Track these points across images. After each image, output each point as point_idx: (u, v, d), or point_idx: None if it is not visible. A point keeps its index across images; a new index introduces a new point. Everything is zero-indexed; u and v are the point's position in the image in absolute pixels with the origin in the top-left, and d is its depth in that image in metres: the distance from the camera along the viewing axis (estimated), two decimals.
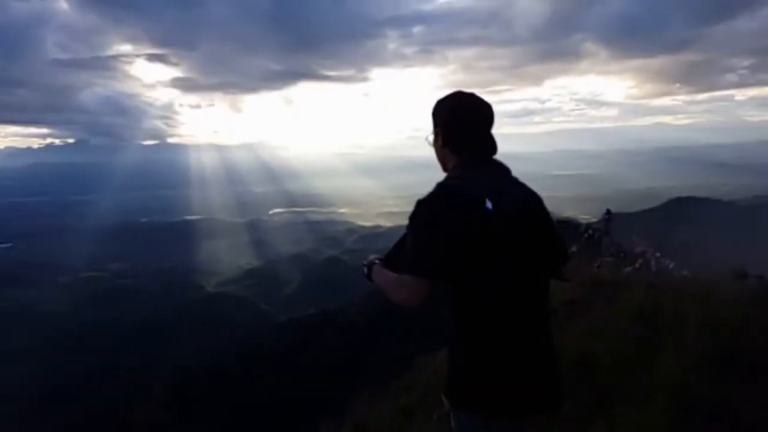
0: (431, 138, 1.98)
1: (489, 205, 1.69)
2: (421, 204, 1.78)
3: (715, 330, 4.03)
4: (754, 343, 3.99)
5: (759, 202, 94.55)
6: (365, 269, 2.06)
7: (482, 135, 1.90)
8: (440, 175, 1.95)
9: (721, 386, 3.47)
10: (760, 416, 3.19)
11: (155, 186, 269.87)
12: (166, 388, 36.92)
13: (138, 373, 47.00)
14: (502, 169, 1.90)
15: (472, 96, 1.91)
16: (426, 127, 1.99)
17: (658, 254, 10.84)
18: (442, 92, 2.02)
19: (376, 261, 2.07)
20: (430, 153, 2.02)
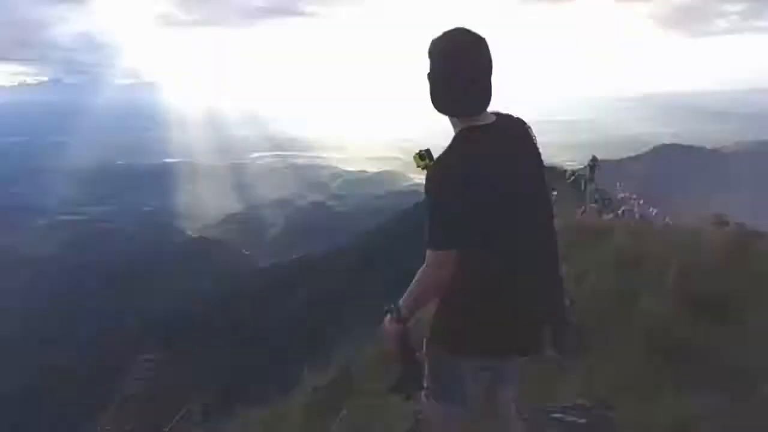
0: None
1: (485, 175, 1.69)
2: (426, 183, 1.74)
3: (695, 275, 4.14)
4: (732, 288, 4.12)
5: (742, 150, 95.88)
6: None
7: (469, 91, 1.74)
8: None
9: (699, 329, 3.59)
10: (735, 357, 3.32)
11: (133, 127, 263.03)
12: (147, 331, 37.43)
13: (118, 317, 47.41)
14: (497, 128, 1.80)
15: (461, 45, 1.73)
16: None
17: (641, 201, 11.00)
18: (434, 31, 1.85)
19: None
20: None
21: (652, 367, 3.18)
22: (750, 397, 2.98)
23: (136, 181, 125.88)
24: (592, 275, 4.63)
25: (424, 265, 1.73)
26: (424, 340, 1.90)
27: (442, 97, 1.79)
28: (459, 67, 1.72)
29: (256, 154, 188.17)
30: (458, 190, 1.66)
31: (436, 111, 1.82)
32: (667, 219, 8.59)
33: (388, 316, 1.85)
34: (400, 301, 1.83)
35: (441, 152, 1.78)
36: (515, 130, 1.86)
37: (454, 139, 1.79)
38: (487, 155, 1.72)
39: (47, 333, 49.22)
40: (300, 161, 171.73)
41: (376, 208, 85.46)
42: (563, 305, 1.99)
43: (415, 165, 1.87)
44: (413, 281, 1.78)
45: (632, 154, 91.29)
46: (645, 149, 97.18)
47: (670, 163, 76.44)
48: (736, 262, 4.53)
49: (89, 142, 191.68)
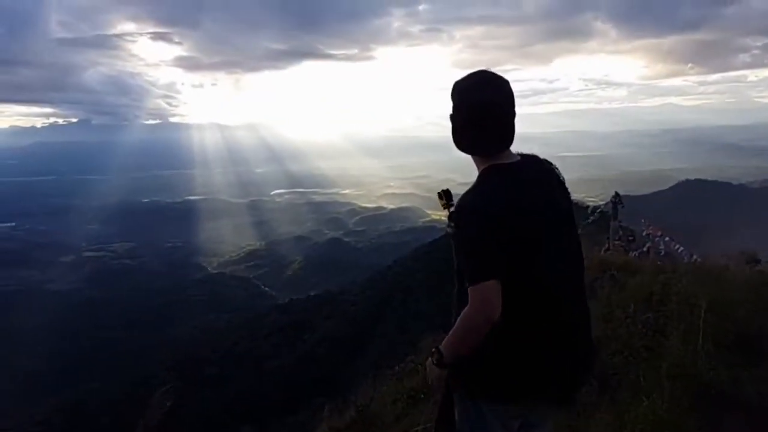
0: None
1: (511, 213, 1.67)
2: (457, 218, 1.72)
3: (725, 315, 4.01)
4: (764, 328, 3.97)
5: None
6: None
7: (491, 131, 1.75)
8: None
9: (730, 371, 3.46)
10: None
11: (157, 166, 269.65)
12: (167, 366, 37.41)
13: (139, 351, 47.55)
14: (522, 166, 1.80)
15: (483, 85, 1.76)
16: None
17: (667, 238, 10.80)
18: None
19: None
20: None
21: (682, 410, 3.05)
22: None
23: (159, 218, 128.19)
24: (618, 314, 4.51)
25: (468, 306, 1.67)
26: (451, 381, 1.83)
27: (465, 137, 1.80)
28: (481, 107, 1.73)
29: (276, 191, 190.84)
30: (484, 227, 1.64)
31: (458, 150, 1.84)
32: (694, 256, 8.41)
33: (431, 359, 1.81)
34: (442, 343, 1.77)
35: (465, 191, 1.76)
36: (540, 167, 1.85)
37: (479, 177, 1.79)
38: (512, 192, 1.70)
39: (70, 366, 49.50)
40: (319, 198, 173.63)
41: (393, 244, 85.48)
42: (594, 346, 1.92)
43: (440, 204, 1.89)
44: (457, 322, 1.72)
45: (655, 189, 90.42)
46: (668, 185, 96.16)
47: (695, 199, 75.24)
48: (766, 300, 4.39)
49: (115, 180, 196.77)
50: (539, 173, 1.83)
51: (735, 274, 5.30)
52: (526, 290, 1.68)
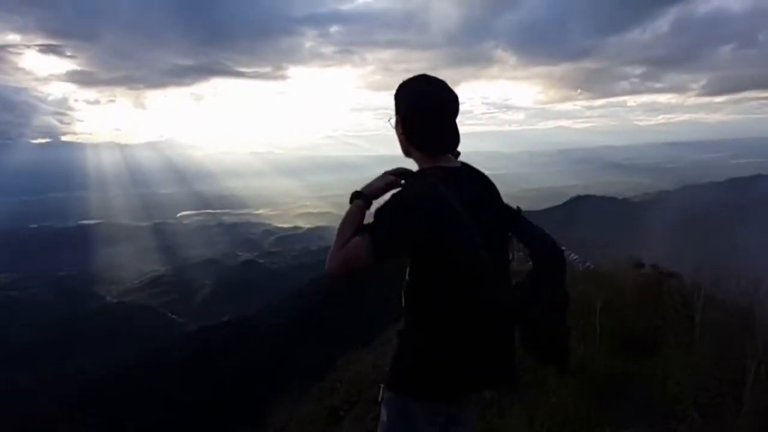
0: (393, 121, 1.88)
1: (456, 208, 1.67)
2: (394, 197, 1.74)
3: (617, 314, 4.38)
4: (651, 324, 4.38)
5: (648, 199, 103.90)
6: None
7: (444, 129, 1.80)
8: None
9: (624, 365, 3.78)
10: (658, 390, 3.50)
11: (46, 189, 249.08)
12: (66, 406, 34.38)
13: (37, 390, 43.28)
14: (466, 170, 1.86)
15: (436, 86, 1.79)
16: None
17: (563, 248, 11.56)
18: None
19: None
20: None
21: (587, 404, 3.29)
22: (678, 427, 3.13)
23: (50, 246, 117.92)
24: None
25: (359, 240, 1.67)
26: (382, 385, 1.87)
27: (419, 136, 1.82)
28: (440, 105, 1.78)
29: (182, 213, 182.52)
30: (421, 217, 1.64)
31: (405, 152, 1.87)
32: (587, 263, 9.04)
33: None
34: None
35: (406, 182, 1.78)
36: (484, 178, 1.89)
37: (419, 172, 1.82)
38: (452, 191, 1.69)
39: None
40: (230, 219, 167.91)
41: (310, 264, 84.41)
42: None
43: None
44: (344, 221, 1.81)
45: (550, 204, 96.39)
46: (562, 200, 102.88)
47: (585, 213, 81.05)
48: (652, 299, 4.84)
49: None
50: (483, 183, 1.87)
51: (624, 277, 5.79)
52: (450, 291, 1.70)
